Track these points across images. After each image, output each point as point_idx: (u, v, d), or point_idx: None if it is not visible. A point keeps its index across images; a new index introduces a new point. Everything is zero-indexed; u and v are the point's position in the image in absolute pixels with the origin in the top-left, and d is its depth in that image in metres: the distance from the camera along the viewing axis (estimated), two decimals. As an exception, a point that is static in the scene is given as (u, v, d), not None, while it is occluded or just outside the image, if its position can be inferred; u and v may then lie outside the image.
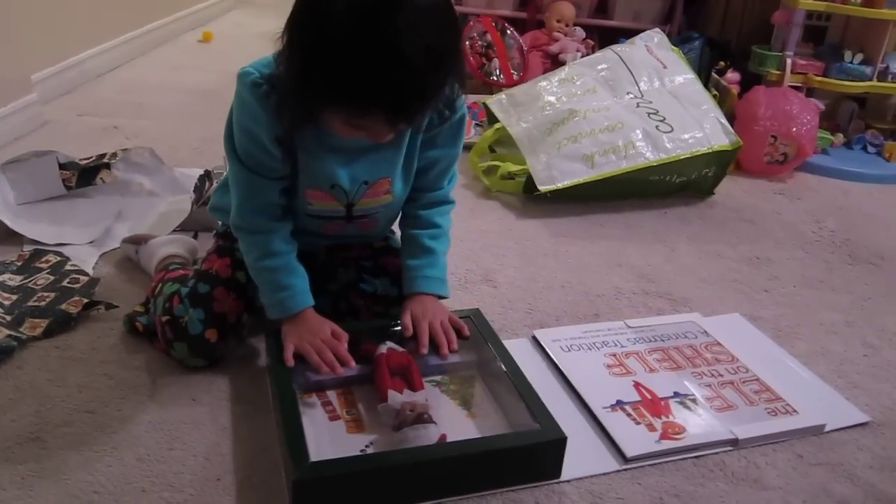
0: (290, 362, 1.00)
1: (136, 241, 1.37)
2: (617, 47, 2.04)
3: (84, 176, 1.56)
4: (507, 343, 1.11)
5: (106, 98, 2.34)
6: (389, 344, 1.06)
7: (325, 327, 1.04)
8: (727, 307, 1.40)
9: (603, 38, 2.68)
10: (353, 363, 1.01)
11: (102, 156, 1.59)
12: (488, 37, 2.36)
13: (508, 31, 2.42)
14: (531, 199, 1.77)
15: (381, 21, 0.80)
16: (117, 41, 2.67)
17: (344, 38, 0.81)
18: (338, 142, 0.99)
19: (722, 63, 2.34)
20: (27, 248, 1.38)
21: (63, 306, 1.17)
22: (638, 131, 1.77)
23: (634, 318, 1.32)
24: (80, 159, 1.58)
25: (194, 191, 1.49)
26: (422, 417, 0.94)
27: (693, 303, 1.40)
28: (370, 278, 1.18)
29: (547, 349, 1.20)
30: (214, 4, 3.60)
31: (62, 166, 1.55)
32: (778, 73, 2.19)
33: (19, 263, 1.32)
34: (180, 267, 1.24)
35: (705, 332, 1.28)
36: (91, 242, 1.43)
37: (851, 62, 2.14)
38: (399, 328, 1.09)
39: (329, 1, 0.82)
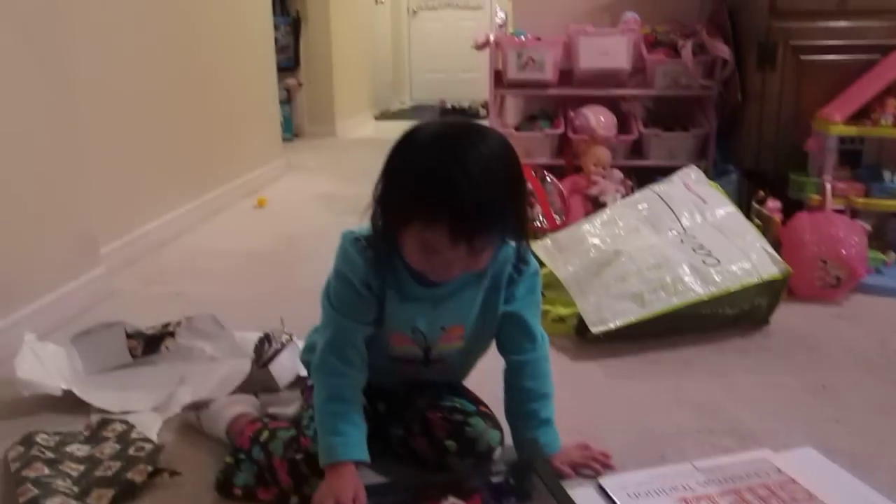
0: None
1: (197, 406, 1.40)
2: (655, 186, 2.09)
3: (149, 344, 1.63)
4: (572, 493, 1.09)
5: (169, 266, 2.46)
6: (452, 499, 1.05)
7: (348, 492, 1.05)
8: (797, 441, 1.35)
9: (640, 177, 2.75)
10: None
11: (167, 324, 1.66)
12: (529, 185, 2.45)
13: (548, 178, 2.51)
14: (584, 341, 1.77)
15: (451, 147, 0.99)
16: (179, 211, 2.83)
17: (418, 160, 1.00)
18: (421, 292, 1.11)
19: (761, 192, 2.37)
20: (94, 417, 1.42)
21: (129, 475, 1.19)
22: (685, 266, 1.79)
23: (702, 459, 1.28)
24: (146, 328, 1.65)
25: (254, 351, 1.54)
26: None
27: (761, 438, 1.36)
28: (448, 396, 1.24)
29: (614, 497, 1.16)
30: (267, 172, 3.81)
31: (129, 335, 1.62)
32: (818, 198, 2.21)
33: (87, 433, 1.35)
34: (269, 420, 1.29)
35: (778, 469, 1.24)
36: (155, 408, 1.47)
37: (892, 181, 2.15)
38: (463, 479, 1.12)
39: (412, 138, 1.02)
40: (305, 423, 1.18)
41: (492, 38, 2.84)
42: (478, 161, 0.97)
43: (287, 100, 5.20)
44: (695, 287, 1.76)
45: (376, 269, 1.09)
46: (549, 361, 1.23)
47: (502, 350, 1.21)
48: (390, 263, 1.09)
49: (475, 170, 0.96)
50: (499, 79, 2.88)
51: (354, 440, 1.08)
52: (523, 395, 1.20)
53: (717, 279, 1.77)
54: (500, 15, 2.97)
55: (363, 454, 1.08)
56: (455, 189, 0.96)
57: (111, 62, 2.37)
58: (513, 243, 1.13)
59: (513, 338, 1.19)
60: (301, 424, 1.19)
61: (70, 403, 1.46)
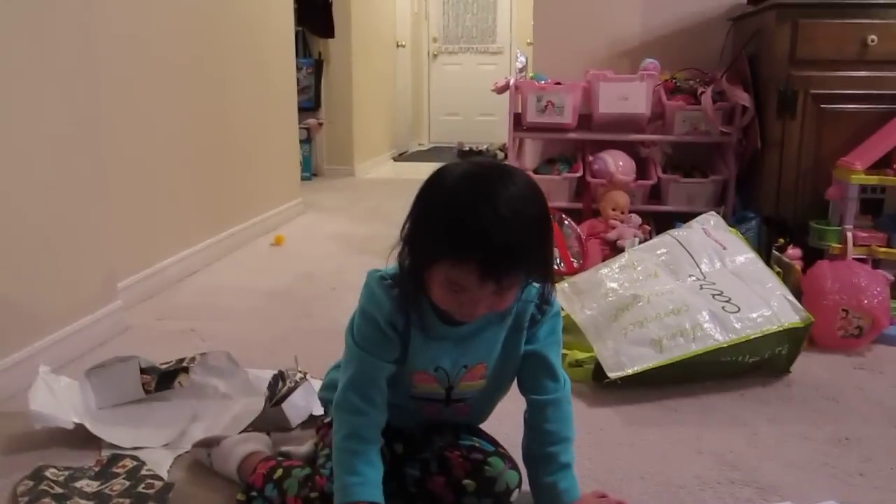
0: None
1: (208, 444, 1.39)
2: (674, 232, 2.08)
3: (163, 380, 1.61)
4: (588, 542, 1.06)
5: (184, 302, 2.46)
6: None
7: None
8: (821, 494, 1.31)
9: (658, 222, 2.74)
10: None
11: (181, 360, 1.65)
12: (547, 227, 2.44)
13: (566, 222, 2.50)
14: (601, 386, 1.75)
15: (481, 186, 0.98)
16: (196, 248, 2.84)
17: (448, 199, 1.00)
18: (445, 331, 1.11)
19: (781, 240, 2.35)
20: (105, 453, 1.41)
21: (138, 513, 1.18)
22: (704, 313, 1.77)
23: (722, 510, 1.25)
24: (161, 364, 1.64)
25: (268, 388, 1.53)
26: None
27: (783, 490, 1.32)
28: (467, 436, 1.23)
29: (631, 547, 1.13)
30: (285, 210, 3.83)
31: (143, 370, 1.61)
32: (839, 246, 2.19)
33: (97, 469, 1.34)
34: (282, 459, 1.27)
35: (801, 523, 1.20)
36: (166, 445, 1.46)
37: (915, 231, 2.13)
38: None
39: (441, 177, 1.02)
40: (321, 461, 1.17)
41: (512, 81, 2.86)
42: (507, 200, 0.97)
43: (307, 139, 5.25)
44: (714, 334, 1.73)
45: (402, 307, 1.09)
46: (570, 404, 1.21)
47: (524, 390, 1.20)
48: (416, 302, 1.09)
49: (504, 209, 0.96)
50: (518, 122, 2.89)
51: (371, 481, 1.07)
52: (544, 437, 1.18)
53: (737, 326, 1.74)
54: (521, 59, 2.99)
55: (379, 496, 1.07)
56: (485, 228, 0.96)
57: (134, 98, 2.41)
58: (535, 284, 1.12)
59: (536, 377, 1.18)
60: (316, 463, 1.18)
61: (81, 438, 1.45)
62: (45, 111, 1.83)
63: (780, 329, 1.76)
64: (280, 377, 1.56)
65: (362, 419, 1.10)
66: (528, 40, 5.30)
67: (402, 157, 7.26)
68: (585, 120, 2.86)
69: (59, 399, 1.50)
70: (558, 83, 2.84)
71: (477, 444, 1.22)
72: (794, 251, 2.26)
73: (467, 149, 7.12)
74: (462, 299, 1.02)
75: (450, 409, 1.19)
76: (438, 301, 1.05)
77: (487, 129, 7.66)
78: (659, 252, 2.00)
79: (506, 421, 1.29)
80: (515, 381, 1.22)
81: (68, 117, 1.92)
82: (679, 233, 2.06)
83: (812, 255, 2.24)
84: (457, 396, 1.18)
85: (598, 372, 1.75)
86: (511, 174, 1.03)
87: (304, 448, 1.34)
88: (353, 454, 1.08)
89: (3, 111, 1.69)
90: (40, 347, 1.80)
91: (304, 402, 1.53)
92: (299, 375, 1.58)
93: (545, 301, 1.16)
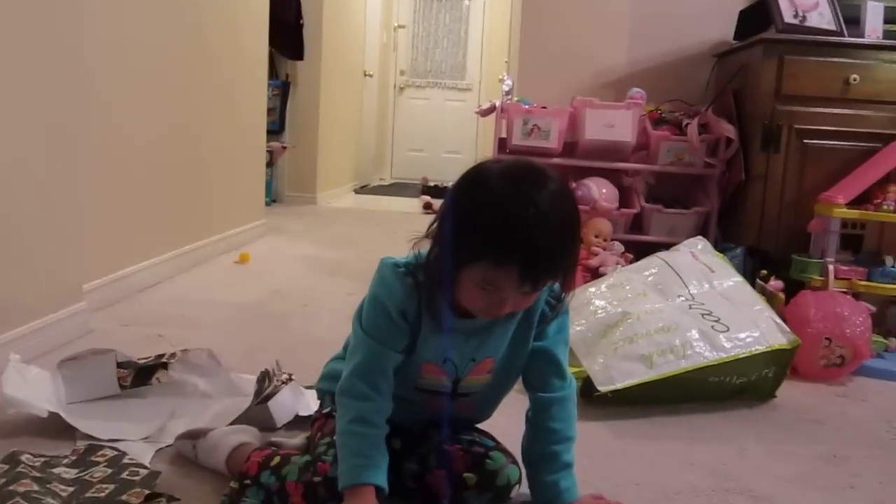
0: None
1: (193, 435, 1.32)
2: (662, 254, 2.09)
3: (140, 375, 1.54)
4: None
5: (149, 310, 2.37)
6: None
7: None
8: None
9: (639, 253, 2.75)
10: None
11: (161, 356, 1.58)
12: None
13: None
14: (590, 401, 1.72)
15: (526, 191, 0.97)
16: (159, 259, 2.74)
17: (492, 200, 0.97)
18: (456, 324, 1.10)
19: (764, 271, 2.38)
20: (81, 444, 1.32)
21: (124, 497, 1.11)
22: (694, 331, 1.76)
23: (722, 518, 1.23)
24: (139, 359, 1.57)
25: (256, 382, 1.47)
26: None
27: (776, 500, 1.33)
28: (467, 431, 1.21)
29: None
30: (248, 230, 3.73)
31: (119, 365, 1.54)
32: (821, 279, 2.23)
33: (74, 458, 1.26)
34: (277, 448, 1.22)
35: (807, 532, 1.18)
36: (145, 438, 1.38)
37: (893, 266, 2.18)
38: None
39: (481, 177, 1.00)
40: (322, 449, 1.12)
41: (497, 104, 2.86)
42: (549, 203, 0.96)
43: (269, 163, 5.04)
44: (704, 352, 1.73)
45: (416, 297, 1.07)
46: (575, 403, 1.19)
47: (530, 387, 1.18)
48: (431, 294, 1.07)
49: (548, 213, 0.96)
50: (502, 146, 2.89)
51: (378, 464, 1.04)
52: (548, 435, 1.16)
53: (726, 345, 1.74)
54: (507, 83, 3.01)
55: (384, 482, 1.04)
56: (529, 231, 0.95)
57: (111, 105, 2.35)
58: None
59: (542, 374, 1.17)
60: (316, 451, 1.13)
61: (54, 429, 1.38)
62: (29, 110, 1.78)
63: (768, 349, 1.77)
64: (266, 376, 1.51)
65: (369, 404, 1.07)
66: (500, 77, 5.33)
67: (363, 189, 7.17)
68: (569, 147, 2.88)
69: (31, 388, 1.42)
70: (544, 108, 2.86)
71: (477, 439, 1.20)
72: (776, 283, 2.29)
73: (432, 185, 7.08)
74: (491, 299, 1.01)
75: (454, 402, 1.17)
76: (465, 299, 1.03)
77: (452, 166, 7.64)
78: (647, 273, 2.00)
79: (504, 426, 1.27)
80: (520, 378, 1.20)
81: (51, 119, 1.87)
82: (667, 255, 2.07)
83: (793, 288, 2.27)
84: (463, 390, 1.16)
85: (587, 387, 1.72)
86: (547, 174, 1.01)
87: (296, 440, 1.29)
88: (359, 437, 1.05)
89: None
90: (3, 341, 1.70)
91: (291, 402, 1.49)
92: (285, 376, 1.53)
93: (558, 299, 1.14)
